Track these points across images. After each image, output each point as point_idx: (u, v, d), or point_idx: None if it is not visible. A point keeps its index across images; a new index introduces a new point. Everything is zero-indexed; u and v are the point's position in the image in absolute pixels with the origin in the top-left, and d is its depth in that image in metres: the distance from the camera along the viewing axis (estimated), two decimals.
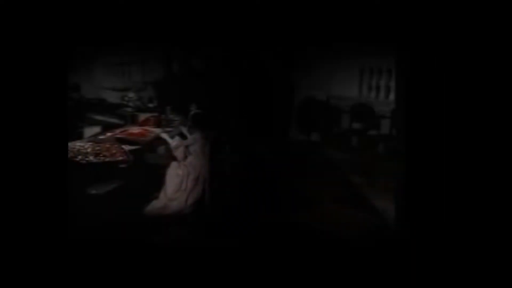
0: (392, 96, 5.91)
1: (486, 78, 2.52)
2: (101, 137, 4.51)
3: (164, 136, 4.48)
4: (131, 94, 5.93)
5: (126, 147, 4.20)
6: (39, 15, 2.57)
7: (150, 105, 5.96)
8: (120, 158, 3.97)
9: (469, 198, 2.56)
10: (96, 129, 4.92)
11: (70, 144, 4.04)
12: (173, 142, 4.37)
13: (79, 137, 4.62)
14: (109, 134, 4.61)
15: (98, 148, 4.07)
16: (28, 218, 2.52)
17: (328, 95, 6.53)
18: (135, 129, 4.81)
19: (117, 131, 4.73)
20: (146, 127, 4.91)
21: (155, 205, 4.25)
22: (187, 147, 4.36)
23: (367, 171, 5.58)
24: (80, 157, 3.81)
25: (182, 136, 4.50)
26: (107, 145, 4.17)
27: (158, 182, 4.30)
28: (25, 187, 2.51)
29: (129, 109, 5.61)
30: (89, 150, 3.99)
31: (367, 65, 6.20)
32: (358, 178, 5.52)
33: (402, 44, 2.92)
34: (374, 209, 4.69)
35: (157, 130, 4.75)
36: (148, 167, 4.37)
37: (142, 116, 5.36)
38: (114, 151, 4.07)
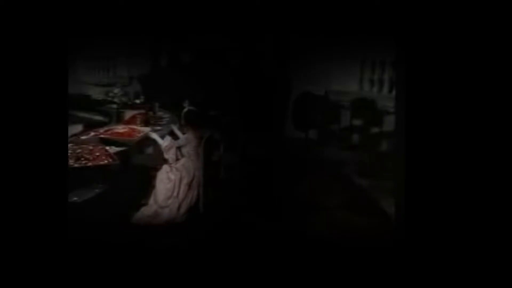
0: None
1: (488, 75, 2.45)
2: (83, 137, 4.17)
3: (154, 136, 4.18)
4: (116, 90, 5.61)
5: (111, 149, 3.87)
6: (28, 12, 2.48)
7: (137, 101, 5.64)
8: (105, 161, 3.62)
9: (471, 198, 2.49)
10: (78, 128, 4.59)
11: None
12: (164, 142, 4.09)
13: None
14: (92, 133, 4.28)
15: (79, 150, 3.71)
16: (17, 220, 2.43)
17: (327, 90, 6.32)
18: (120, 128, 4.46)
19: (101, 130, 4.40)
20: (133, 126, 4.57)
21: (145, 212, 3.99)
22: (179, 148, 4.10)
23: (370, 172, 5.42)
24: None
25: (174, 136, 4.24)
26: (90, 147, 3.82)
27: (147, 187, 4.06)
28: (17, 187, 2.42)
29: (114, 106, 5.28)
30: (69, 153, 3.60)
31: (369, 57, 5.95)
32: (361, 180, 5.35)
33: (401, 38, 2.80)
34: (382, 214, 4.45)
35: (145, 129, 4.42)
36: (135, 171, 4.11)
37: (129, 114, 5.04)
38: (97, 154, 3.71)
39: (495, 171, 2.44)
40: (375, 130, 5.94)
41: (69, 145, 3.86)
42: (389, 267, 3.13)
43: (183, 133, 4.21)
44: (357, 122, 6.10)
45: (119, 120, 4.98)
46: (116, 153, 3.81)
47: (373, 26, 4.51)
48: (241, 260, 3.54)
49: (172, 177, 3.97)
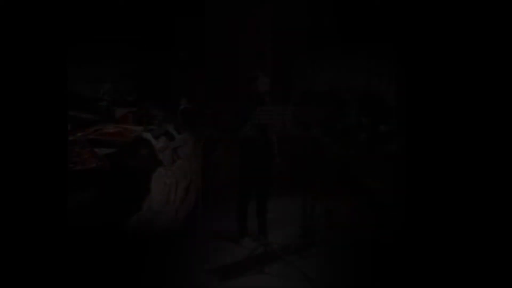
0: None
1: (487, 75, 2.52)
2: (70, 138, 3.92)
3: (147, 136, 4.07)
4: (106, 86, 5.55)
5: (101, 151, 3.74)
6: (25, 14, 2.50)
7: (129, 98, 5.57)
8: (94, 165, 3.51)
9: (472, 196, 2.54)
10: None
11: None
12: (158, 143, 3.95)
13: None
14: (80, 134, 4.08)
15: None
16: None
17: (332, 85, 6.18)
18: (111, 128, 4.35)
19: (90, 130, 4.24)
20: (125, 125, 4.47)
21: (139, 219, 3.71)
22: (175, 149, 3.95)
23: (375, 171, 5.36)
24: None
25: (169, 136, 4.10)
26: (77, 149, 3.66)
27: (141, 192, 3.81)
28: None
29: (104, 103, 5.20)
30: None
31: (375, 55, 5.87)
32: (366, 179, 5.29)
33: (400, 42, 2.97)
34: (385, 213, 4.44)
35: (138, 129, 4.31)
36: (128, 174, 3.87)
37: (120, 112, 4.93)
38: (85, 156, 3.59)
39: (496, 169, 2.47)
40: (382, 127, 5.88)
41: None
42: (392, 267, 3.21)
43: (179, 133, 4.08)
44: (364, 120, 6.02)
45: (110, 118, 4.84)
46: (106, 155, 3.70)
47: (374, 27, 4.45)
48: (242, 260, 3.56)
49: (168, 181, 3.80)
